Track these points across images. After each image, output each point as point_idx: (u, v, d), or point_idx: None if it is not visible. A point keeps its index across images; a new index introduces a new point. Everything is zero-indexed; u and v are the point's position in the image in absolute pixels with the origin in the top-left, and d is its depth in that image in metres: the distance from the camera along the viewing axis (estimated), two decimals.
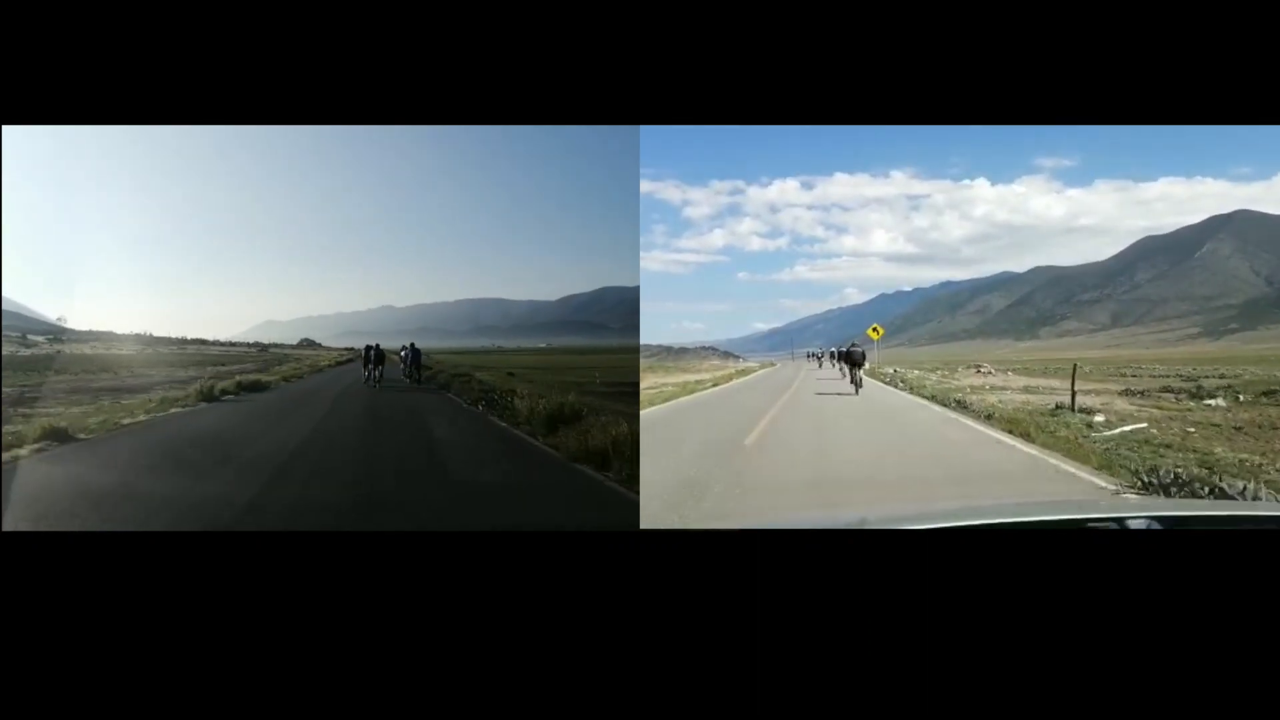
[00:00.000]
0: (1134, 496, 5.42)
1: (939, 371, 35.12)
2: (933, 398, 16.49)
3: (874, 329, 32.57)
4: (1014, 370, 32.56)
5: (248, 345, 79.97)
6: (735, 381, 28.31)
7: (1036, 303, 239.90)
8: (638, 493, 6.21)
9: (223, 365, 33.33)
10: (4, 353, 31.89)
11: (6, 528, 4.94)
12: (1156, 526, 2.45)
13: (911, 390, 19.81)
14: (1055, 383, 23.01)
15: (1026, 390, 19.77)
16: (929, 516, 2.62)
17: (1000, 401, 15.02)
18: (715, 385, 24.90)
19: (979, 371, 30.98)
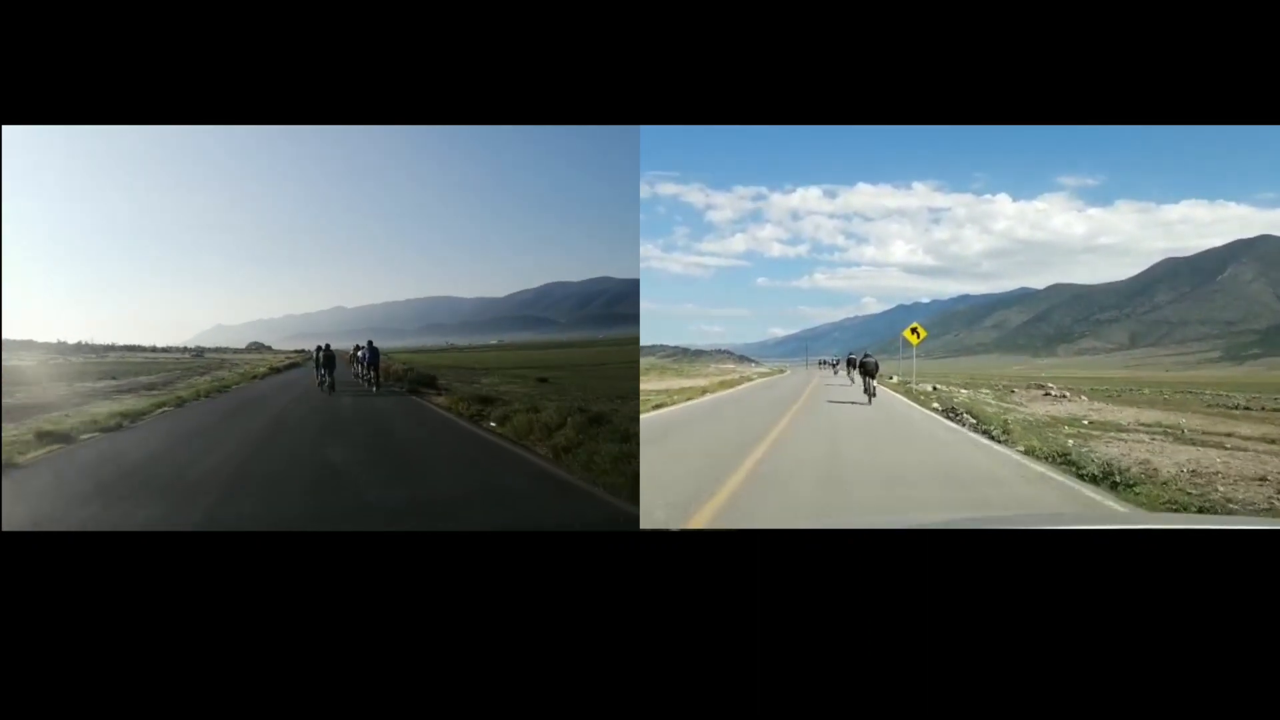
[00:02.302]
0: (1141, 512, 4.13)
1: (984, 389, 28.47)
2: (1072, 463, 8.25)
3: (913, 330, 26.13)
4: (1086, 393, 25.62)
5: (181, 350, 75.04)
6: (714, 396, 21.89)
7: (1055, 320, 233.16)
8: (637, 493, 5.73)
9: (113, 379, 25.20)
10: None
11: (7, 527, 4.70)
12: (1156, 529, 2.53)
13: (1006, 436, 11.17)
14: (1179, 417, 16.49)
15: (1172, 435, 13.07)
16: (930, 520, 2.57)
17: (1230, 472, 8.36)
18: (687, 400, 18.62)
19: (1047, 394, 24.25)
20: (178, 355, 64.56)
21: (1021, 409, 19.11)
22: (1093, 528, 2.56)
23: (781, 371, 59.54)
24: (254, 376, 29.67)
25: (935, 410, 17.01)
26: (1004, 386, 32.08)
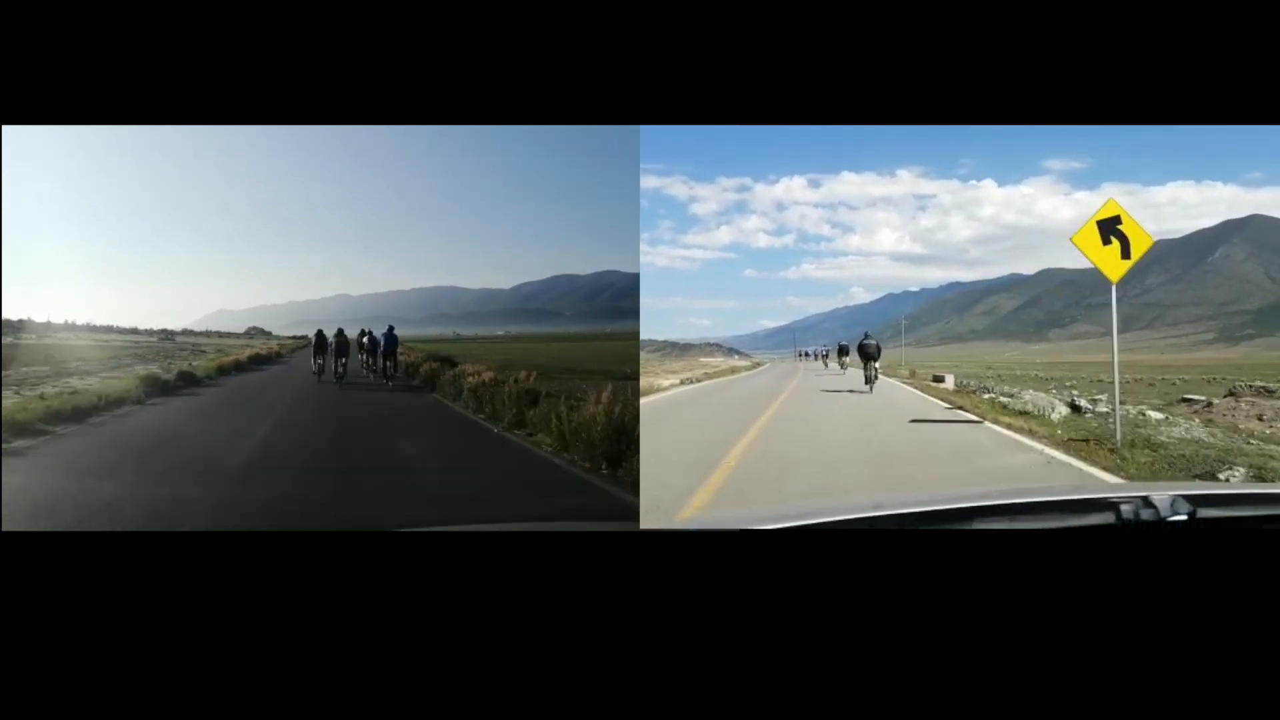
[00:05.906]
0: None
1: (1073, 389, 15.24)
2: None
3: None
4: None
5: (149, 333, 63.87)
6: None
7: (1046, 305, 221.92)
8: (637, 493, 5.53)
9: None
10: None
11: (6, 527, 4.77)
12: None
13: None
14: None
15: None
16: (949, 515, 2.14)
17: None
18: None
19: (1265, 404, 10.64)
20: (142, 339, 54.90)
21: None
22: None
23: (758, 365, 45.40)
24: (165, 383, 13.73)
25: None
26: (1161, 393, 18.51)
